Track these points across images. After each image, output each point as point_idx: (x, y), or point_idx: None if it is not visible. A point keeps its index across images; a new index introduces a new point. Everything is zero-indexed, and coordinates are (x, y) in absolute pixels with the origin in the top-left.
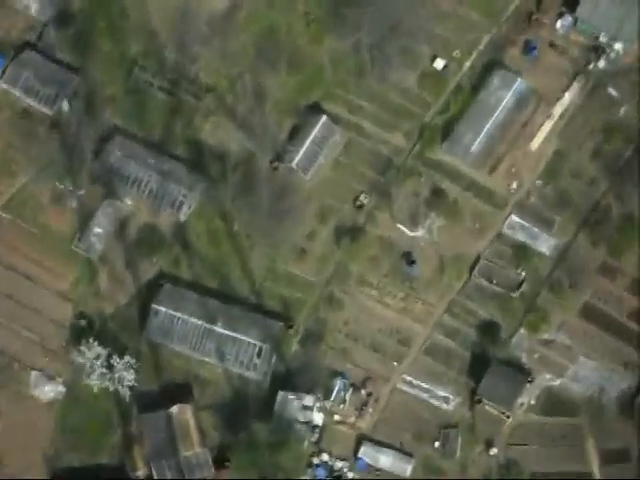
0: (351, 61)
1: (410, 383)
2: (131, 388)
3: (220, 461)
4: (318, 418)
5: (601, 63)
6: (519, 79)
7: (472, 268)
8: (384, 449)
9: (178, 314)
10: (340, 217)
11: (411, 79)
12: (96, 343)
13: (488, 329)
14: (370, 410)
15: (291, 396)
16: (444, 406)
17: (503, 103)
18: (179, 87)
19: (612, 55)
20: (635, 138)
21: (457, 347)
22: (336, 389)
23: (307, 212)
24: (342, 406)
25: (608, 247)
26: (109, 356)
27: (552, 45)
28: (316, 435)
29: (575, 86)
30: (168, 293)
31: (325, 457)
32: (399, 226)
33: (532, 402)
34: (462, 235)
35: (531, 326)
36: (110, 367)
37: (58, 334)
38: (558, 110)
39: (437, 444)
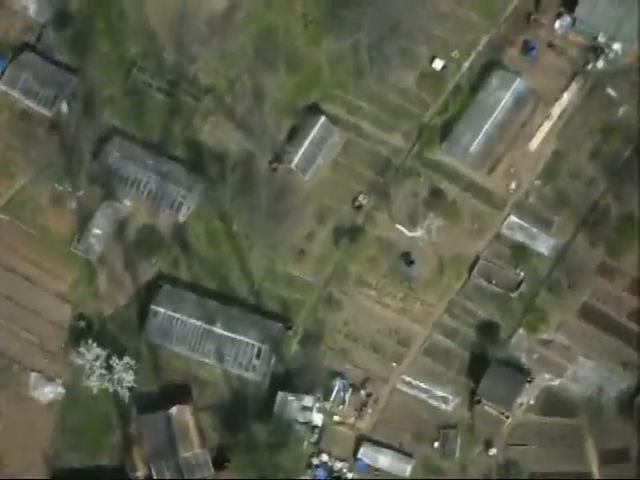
0: (350, 62)
1: (409, 384)
2: (130, 389)
3: (220, 462)
4: (317, 419)
5: (600, 63)
6: (518, 79)
7: (471, 268)
8: (383, 449)
9: (177, 315)
10: (339, 218)
11: (410, 79)
12: (95, 344)
13: (487, 329)
14: (369, 411)
15: (290, 397)
16: (443, 406)
17: (502, 103)
18: (178, 88)
19: (611, 55)
20: (634, 138)
21: (456, 347)
22: (335, 390)
23: (306, 213)
24: (341, 407)
25: (607, 247)
26: (108, 357)
27: (551, 45)
28: (315, 436)
29: (574, 86)
30: (167, 294)
31: (325, 458)
32: (398, 226)
33: (531, 402)
34: (461, 235)
35: (530, 326)
36: (109, 368)
37: (57, 335)
38: (557, 110)
39: (436, 444)
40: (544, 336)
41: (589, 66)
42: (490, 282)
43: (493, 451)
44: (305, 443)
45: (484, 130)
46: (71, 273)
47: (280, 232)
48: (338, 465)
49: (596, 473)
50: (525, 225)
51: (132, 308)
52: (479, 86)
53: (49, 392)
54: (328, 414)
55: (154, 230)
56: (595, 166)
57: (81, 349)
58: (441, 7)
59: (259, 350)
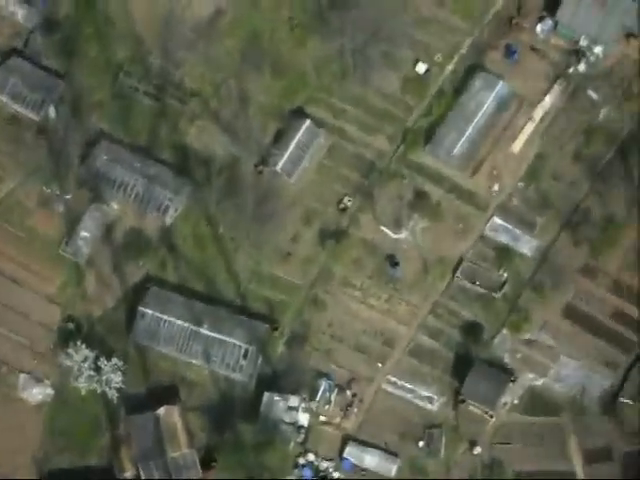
0: (335, 66)
1: (394, 384)
2: (119, 390)
3: (207, 462)
4: (304, 419)
5: (581, 66)
6: (500, 82)
7: (455, 269)
8: (369, 449)
9: (165, 316)
10: (324, 220)
11: (394, 83)
12: (84, 346)
13: (471, 330)
14: (355, 410)
15: (277, 397)
16: (428, 406)
17: (485, 106)
18: (164, 92)
19: (592, 58)
20: (615, 140)
21: (441, 348)
22: (321, 390)
23: (291, 215)
24: (327, 407)
25: (590, 248)
26: (96, 358)
27: (533, 49)
28: (302, 436)
29: (556, 89)
30: (154, 296)
31: (311, 457)
32: (382, 228)
33: (515, 402)
34: (445, 237)
35: (514, 326)
36: (98, 369)
37: (46, 337)
38: (539, 113)
39: (421, 444)
40: (527, 336)
41: (571, 69)
42: (474, 283)
43: (477, 450)
44: (291, 443)
45: (467, 132)
46: (59, 275)
47: (266, 234)
48: (324, 465)
49: (580, 472)
50: (508, 226)
51: (120, 310)
52: (462, 89)
53: (38, 393)
54: (314, 414)
55: (141, 233)
56: (577, 168)
57: (70, 350)
58: (423, 11)
59: (246, 351)
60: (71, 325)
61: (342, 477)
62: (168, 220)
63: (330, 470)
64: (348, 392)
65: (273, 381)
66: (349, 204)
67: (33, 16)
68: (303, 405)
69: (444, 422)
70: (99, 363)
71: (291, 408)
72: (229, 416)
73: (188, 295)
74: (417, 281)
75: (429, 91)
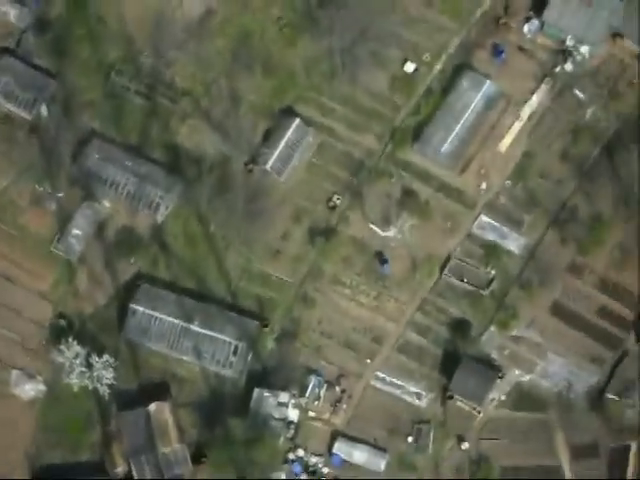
0: (324, 65)
1: (383, 380)
2: (110, 386)
3: (197, 457)
4: (293, 414)
5: (568, 66)
6: (488, 81)
7: (443, 267)
8: (358, 444)
9: (156, 313)
10: (314, 218)
11: (382, 82)
12: (75, 342)
13: (459, 326)
14: (344, 406)
15: (267, 393)
16: (417, 402)
17: (472, 105)
18: (156, 91)
19: (578, 58)
20: (602, 139)
21: (429, 344)
22: (311, 386)
23: (281, 213)
24: (317, 403)
25: (577, 246)
26: (88, 355)
27: (520, 48)
28: (291, 431)
29: (543, 88)
30: (146, 293)
31: (300, 453)
32: (371, 226)
33: (503, 398)
34: (433, 235)
35: (501, 323)
36: (89, 366)
37: (38, 334)
38: (526, 112)
39: (410, 439)
40: (515, 333)
41: (558, 69)
42: (462, 280)
43: (465, 445)
44: (281, 438)
45: (455, 131)
46: (52, 273)
47: (256, 232)
48: (314, 460)
49: (566, 467)
50: (496, 224)
51: (111, 307)
52: (450, 88)
53: (30, 389)
54: (303, 410)
55: (133, 231)
56: (564, 166)
57: (61, 347)
58: (412, 11)
59: (236, 347)
60: (63, 322)
61: (331, 472)
62: (159, 218)
63: (319, 465)
64: (337, 388)
65: (263, 377)
66: (338, 202)
67: (25, 16)
68: (293, 401)
69: (432, 418)
70: (91, 360)
71: (281, 404)
72: (219, 412)
73: (179, 292)
74: (406, 278)
75: (417, 90)
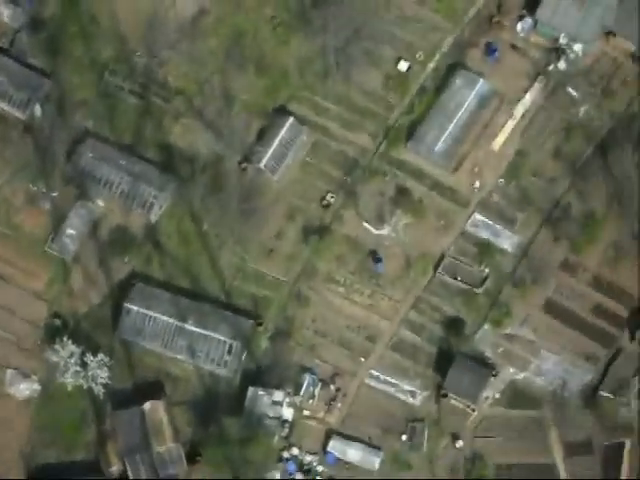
0: (317, 64)
1: (377, 378)
2: (105, 385)
3: (192, 456)
4: (288, 413)
5: (561, 64)
6: (481, 80)
7: (437, 265)
8: (353, 443)
9: (150, 312)
10: (307, 216)
11: (376, 81)
12: (70, 342)
13: (453, 324)
14: (339, 405)
15: (261, 392)
16: (411, 400)
17: (466, 104)
18: (149, 91)
19: (571, 56)
20: (595, 137)
21: (423, 342)
22: (305, 385)
23: (275, 212)
24: (311, 401)
25: (570, 244)
26: (83, 354)
27: (513, 47)
28: (286, 430)
29: (536, 87)
30: (140, 292)
31: (295, 451)
32: (365, 224)
33: (497, 396)
34: (427, 233)
35: (495, 321)
36: (84, 365)
37: (33, 333)
38: (519, 110)
39: (404, 437)
40: (508, 331)
41: (551, 67)
42: (455, 278)
43: (460, 443)
44: (276, 437)
45: (448, 130)
46: (46, 272)
47: (249, 231)
48: (308, 458)
49: (560, 465)
50: (489, 222)
51: (106, 306)
52: (443, 87)
53: (25, 389)
54: (298, 408)
55: (127, 230)
56: (557, 165)
57: (56, 346)
58: (405, 10)
59: (230, 346)
60: (57, 321)
61: (326, 471)
62: (153, 217)
63: (314, 464)
64: (332, 387)
65: (257, 376)
66: (332, 201)
67: (19, 16)
68: (287, 400)
69: (427, 416)
70: (85, 359)
71: (275, 403)
72: (214, 411)
73: (173, 291)
74: (399, 277)
75: (411, 89)
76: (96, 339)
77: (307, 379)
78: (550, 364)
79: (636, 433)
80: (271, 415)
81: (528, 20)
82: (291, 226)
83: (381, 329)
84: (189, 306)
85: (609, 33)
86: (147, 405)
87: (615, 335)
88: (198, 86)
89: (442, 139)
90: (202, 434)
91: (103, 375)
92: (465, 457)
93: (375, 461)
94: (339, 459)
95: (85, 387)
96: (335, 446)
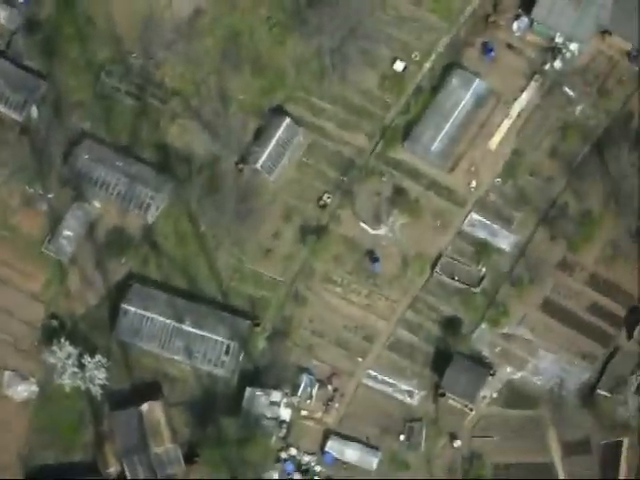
0: (313, 64)
1: (375, 378)
2: (102, 387)
3: (190, 457)
4: (285, 413)
5: (557, 63)
6: (477, 80)
7: (434, 265)
8: (350, 443)
9: (147, 313)
10: (304, 217)
11: (372, 81)
12: (67, 343)
13: (450, 324)
14: (336, 405)
15: (259, 392)
16: (408, 400)
17: (462, 103)
18: (145, 92)
19: (567, 55)
20: (591, 136)
21: (420, 342)
22: (303, 385)
23: (272, 212)
24: (309, 401)
25: (567, 243)
26: (80, 356)
27: (509, 46)
28: (284, 430)
29: (532, 86)
30: (137, 293)
31: (293, 451)
32: (362, 225)
33: (494, 395)
34: (424, 233)
35: (492, 321)
36: (81, 366)
37: (30, 335)
38: (516, 110)
39: (402, 437)
40: (506, 330)
41: (547, 66)
42: (453, 278)
43: (458, 443)
44: (273, 437)
45: (445, 129)
46: (43, 274)
47: (246, 231)
48: (306, 459)
49: (558, 464)
50: (486, 222)
51: (103, 307)
52: (440, 87)
53: (23, 390)
54: (296, 409)
55: (124, 231)
56: (554, 164)
57: (54, 348)
58: (401, 10)
59: (228, 347)
60: (55, 323)
61: (324, 471)
62: (150, 218)
63: (312, 464)
64: (329, 387)
65: (255, 376)
66: (329, 201)
67: (15, 18)
68: (285, 400)
69: (424, 416)
70: (83, 360)
71: (273, 403)
72: (211, 411)
73: (170, 292)
74: (397, 276)
75: (407, 89)
76: (93, 340)
77: (305, 379)
78: (547, 363)
79: (634, 431)
80: (269, 415)
81: (524, 19)
82: (288, 226)
83: (378, 329)
84: (186, 307)
85: (605, 32)
86: (145, 406)
87: (612, 334)
88: (194, 87)
89: (438, 139)
90: (200, 435)
91: (101, 376)
92: (463, 457)
93: (373, 461)
94: (337, 459)
95: (83, 388)
96: (333, 446)
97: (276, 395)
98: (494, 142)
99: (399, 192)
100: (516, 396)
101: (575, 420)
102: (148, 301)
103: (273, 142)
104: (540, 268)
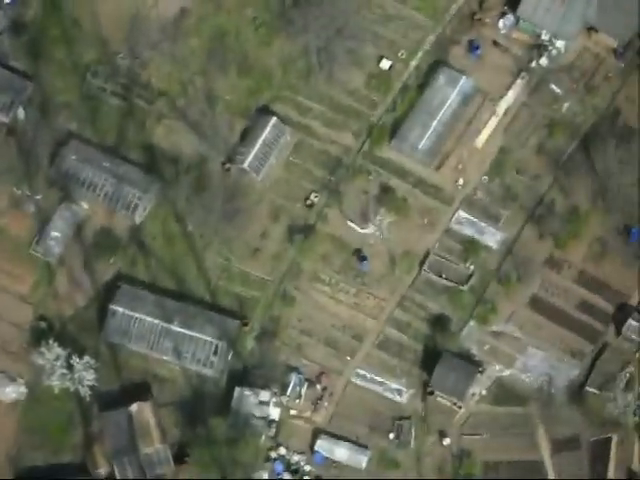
0: (300, 64)
1: (364, 377)
2: (91, 388)
3: (180, 457)
4: (275, 413)
5: (543, 60)
6: (464, 77)
7: (422, 263)
8: (340, 442)
9: (135, 314)
10: (292, 216)
11: (358, 80)
12: (56, 344)
13: (439, 322)
14: (325, 404)
15: (247, 392)
16: (397, 398)
17: (448, 101)
18: (132, 92)
19: (554, 53)
20: (577, 133)
21: (409, 340)
22: (292, 384)
23: (259, 212)
24: (298, 401)
25: (554, 240)
26: (69, 357)
27: (495, 44)
28: (273, 430)
29: (518, 83)
30: (125, 294)
31: (282, 451)
32: (350, 224)
33: (483, 393)
34: (411, 231)
35: (481, 318)
36: (70, 367)
37: (19, 336)
38: (502, 107)
39: (391, 436)
40: (494, 328)
41: (533, 63)
42: (441, 276)
43: (447, 441)
44: (263, 437)
45: (432, 127)
46: (31, 275)
47: (234, 231)
48: (295, 458)
49: (548, 461)
50: (474, 220)
51: (91, 308)
52: (426, 85)
53: (11, 392)
54: (285, 408)
55: (111, 231)
56: (541, 161)
57: (42, 349)
58: (387, 8)
59: (216, 347)
60: (43, 324)
61: (313, 470)
62: (138, 218)
63: (301, 463)
64: (318, 386)
65: (244, 376)
66: (316, 200)
67: (1, 19)
68: (274, 399)
69: (413, 414)
70: (71, 361)
71: (262, 402)
72: (201, 411)
73: (158, 293)
74: (385, 275)
75: (393, 87)
76: (82, 341)
77: (293, 379)
78: (536, 360)
79: (623, 428)
80: (258, 415)
81: (510, 17)
82: (276, 226)
83: (367, 328)
84: (175, 307)
85: (591, 29)
86: (134, 407)
87: (601, 330)
88: (181, 87)
89: (425, 137)
90: (189, 435)
91: (89, 377)
92: (452, 455)
93: (362, 460)
94: (326, 458)
95: (72, 389)
96: (322, 445)
97: (265, 395)
98: (481, 140)
99: (386, 190)
100: (505, 393)
101: (564, 417)
102: (136, 302)
103: (260, 142)
104: (528, 265)
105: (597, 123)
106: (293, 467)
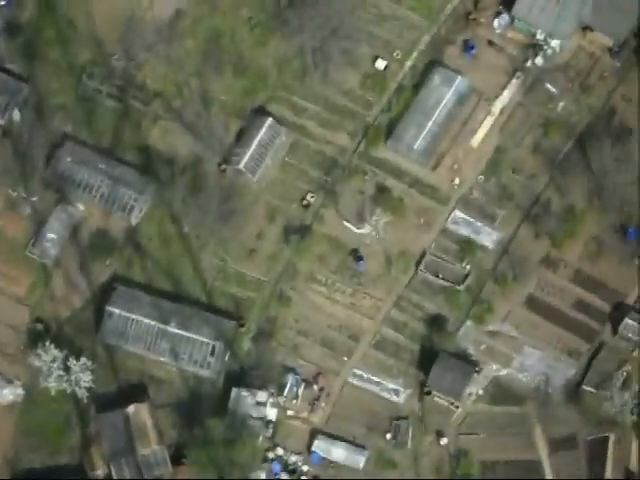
0: (295, 64)
1: (361, 377)
2: (88, 389)
3: (177, 458)
4: (272, 413)
5: (539, 60)
6: (459, 77)
7: (418, 263)
8: (337, 442)
9: (132, 316)
10: (288, 216)
11: (354, 80)
12: (53, 346)
13: (435, 322)
14: (322, 404)
15: (245, 393)
16: (394, 398)
17: (444, 101)
18: (127, 93)
19: (549, 52)
20: (573, 132)
21: (405, 340)
22: (288, 385)
23: (255, 212)
24: (295, 401)
25: (550, 239)
26: (66, 358)
27: (490, 43)
28: (270, 430)
29: (514, 83)
30: (121, 295)
31: (280, 451)
32: (346, 224)
33: (480, 392)
34: (408, 231)
35: (477, 318)
36: (67, 369)
37: (16, 338)
38: (498, 107)
39: (389, 436)
40: (491, 327)
41: (528, 63)
42: (437, 276)
43: (444, 441)
44: (260, 438)
45: (427, 127)
46: (27, 277)
47: (230, 232)
48: (293, 458)
49: (545, 460)
50: (470, 219)
51: (88, 310)
52: (421, 85)
53: (9, 394)
54: (282, 409)
55: (107, 233)
56: (536, 160)
57: (39, 351)
58: (382, 8)
59: (213, 348)
60: (40, 326)
61: (311, 470)
62: (134, 220)
63: (299, 464)
64: (315, 386)
65: (241, 377)
66: (312, 200)
67: None
68: (271, 400)
69: (410, 414)
70: (68, 363)
71: (259, 403)
72: (198, 412)
73: (155, 294)
74: (381, 275)
75: (389, 87)
76: (79, 343)
77: (290, 379)
78: (533, 360)
79: (620, 427)
80: (255, 416)
81: (505, 16)
82: (272, 226)
83: (363, 328)
84: (171, 308)
85: (586, 28)
86: (131, 408)
87: (597, 330)
88: (176, 88)
89: (421, 137)
90: (186, 436)
91: (86, 379)
92: (450, 454)
93: (360, 460)
94: (324, 458)
95: (69, 391)
96: (320, 445)
97: (262, 395)
98: (477, 139)
99: (382, 191)
100: (502, 393)
101: (561, 416)
102: (133, 303)
103: (255, 142)
104: (524, 265)
105: (593, 122)
106: (290, 467)
